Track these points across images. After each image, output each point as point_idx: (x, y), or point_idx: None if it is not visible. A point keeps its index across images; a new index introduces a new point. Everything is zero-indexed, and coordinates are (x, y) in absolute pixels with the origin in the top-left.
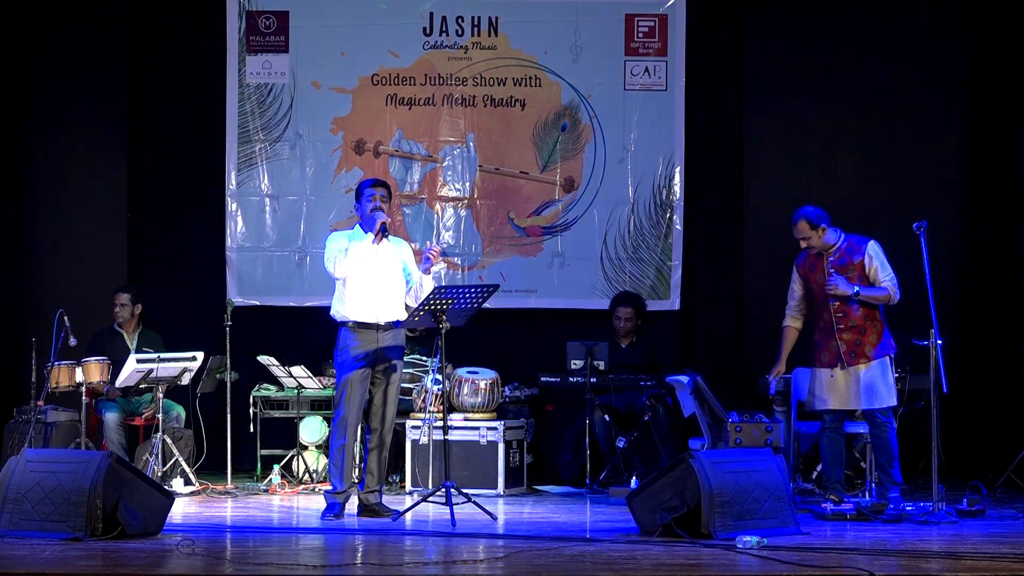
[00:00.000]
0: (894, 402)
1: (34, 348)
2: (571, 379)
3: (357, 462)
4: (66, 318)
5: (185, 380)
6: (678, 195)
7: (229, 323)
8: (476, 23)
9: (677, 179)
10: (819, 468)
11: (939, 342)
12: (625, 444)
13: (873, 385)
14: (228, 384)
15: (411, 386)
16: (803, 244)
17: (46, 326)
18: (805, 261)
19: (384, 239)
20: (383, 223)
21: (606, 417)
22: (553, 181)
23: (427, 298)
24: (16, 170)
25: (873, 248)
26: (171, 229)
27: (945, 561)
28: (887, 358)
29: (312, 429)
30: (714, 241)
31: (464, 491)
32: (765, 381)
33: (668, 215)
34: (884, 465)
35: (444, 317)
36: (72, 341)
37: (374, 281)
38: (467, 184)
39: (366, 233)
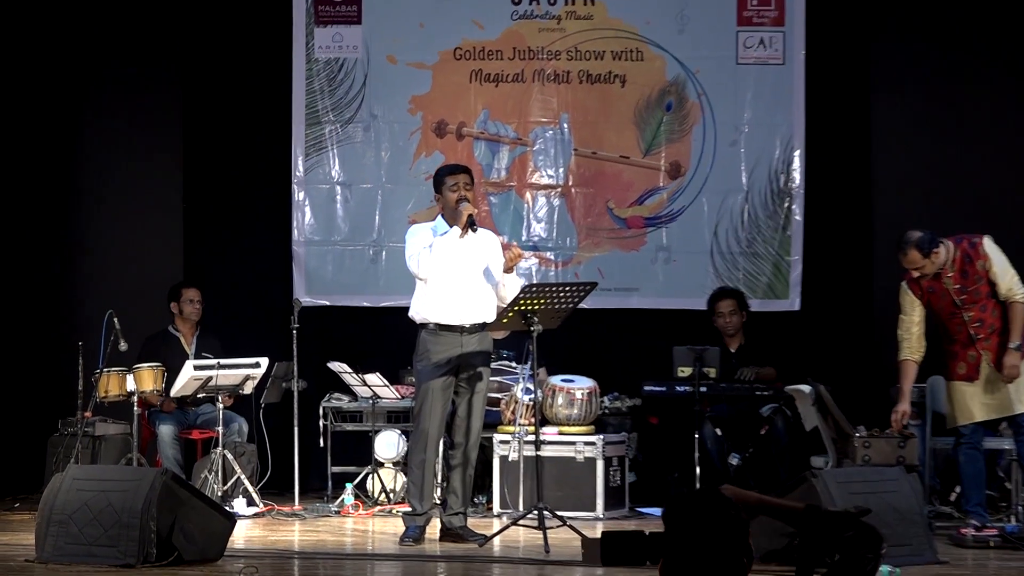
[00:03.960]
0: None
1: (80, 354)
2: (678, 388)
3: (439, 481)
4: (116, 320)
5: (248, 389)
6: (798, 182)
7: (296, 326)
8: None
9: (797, 164)
10: (958, 489)
11: None
12: (739, 461)
13: None
14: (295, 393)
15: (499, 396)
16: (915, 274)
17: (94, 329)
18: (920, 285)
19: (472, 232)
20: (470, 215)
21: (717, 431)
22: (657, 166)
23: (516, 298)
24: (60, 157)
25: (988, 246)
26: (231, 222)
27: None
28: None
29: (389, 444)
30: (839, 234)
31: (559, 513)
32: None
33: (787, 204)
34: None
35: (535, 319)
36: (123, 346)
37: (459, 279)
38: (560, 170)
39: (451, 226)
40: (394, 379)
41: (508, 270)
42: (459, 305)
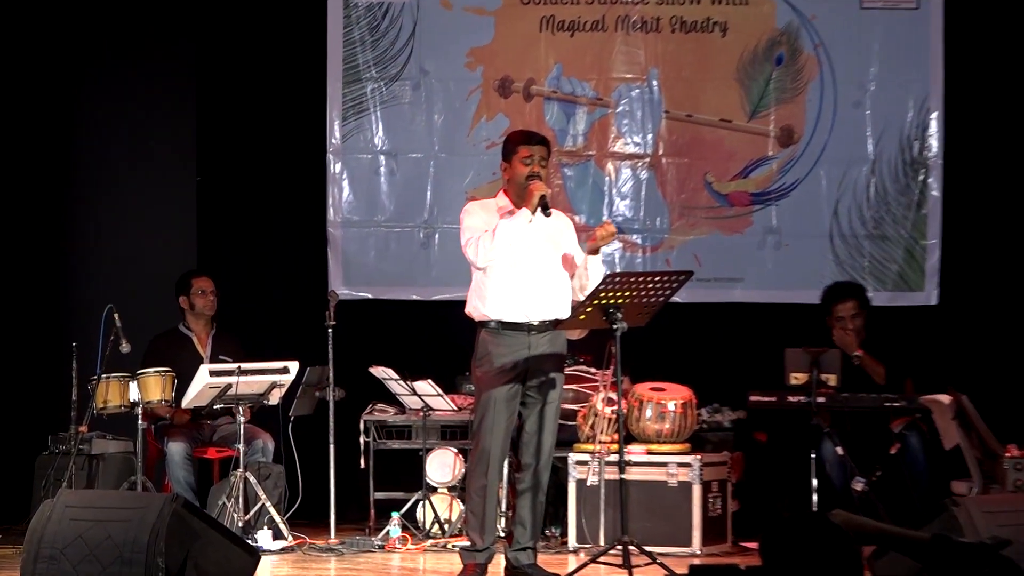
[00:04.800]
0: None
1: (75, 356)
2: (791, 398)
3: (503, 509)
4: (117, 316)
5: (274, 399)
6: (935, 150)
7: (332, 323)
8: None
9: (934, 129)
10: None
11: None
12: (865, 486)
13: None
14: (331, 405)
15: (575, 408)
16: None
17: (91, 327)
18: None
19: (544, 215)
20: (543, 196)
21: (839, 450)
22: (765, 132)
23: (596, 289)
24: (53, 122)
25: None
26: (254, 200)
27: None
28: None
29: (443, 465)
30: (985, 213)
31: (647, 548)
32: None
33: (922, 178)
34: None
35: (620, 315)
36: (125, 347)
37: (527, 268)
38: (649, 136)
39: (516, 205)
40: (449, 387)
41: (594, 251)
42: (527, 299)
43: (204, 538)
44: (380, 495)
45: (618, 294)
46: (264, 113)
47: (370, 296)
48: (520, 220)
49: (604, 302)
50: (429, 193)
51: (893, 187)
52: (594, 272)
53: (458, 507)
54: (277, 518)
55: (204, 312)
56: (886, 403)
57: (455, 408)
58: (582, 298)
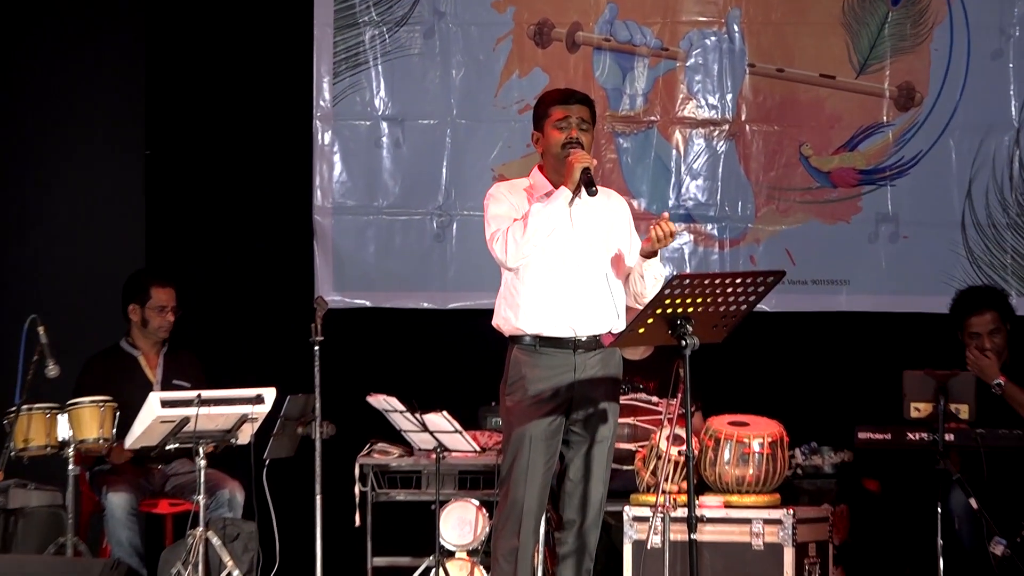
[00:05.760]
0: None
1: None
2: (911, 436)
3: None
4: (42, 330)
5: (244, 437)
6: None
7: (319, 338)
8: None
9: None
10: None
11: None
12: (1006, 549)
13: None
14: (318, 444)
15: (632, 448)
16: None
17: (7, 344)
18: None
19: (586, 194)
20: (585, 168)
21: (972, 502)
22: (879, 91)
23: (660, 295)
24: None
25: None
26: (219, 178)
27: None
28: None
29: (462, 523)
30: None
31: None
32: None
33: None
34: None
35: (690, 328)
36: (51, 370)
37: (570, 267)
38: (728, 97)
39: (555, 185)
40: (470, 421)
41: (650, 253)
42: (571, 307)
43: None
44: (381, 561)
45: (688, 301)
46: (232, 67)
47: (368, 304)
48: (559, 204)
49: (670, 311)
50: (445, 171)
51: None
52: (652, 278)
53: (482, 575)
54: None
55: (158, 334)
56: None
57: (477, 449)
58: (641, 306)
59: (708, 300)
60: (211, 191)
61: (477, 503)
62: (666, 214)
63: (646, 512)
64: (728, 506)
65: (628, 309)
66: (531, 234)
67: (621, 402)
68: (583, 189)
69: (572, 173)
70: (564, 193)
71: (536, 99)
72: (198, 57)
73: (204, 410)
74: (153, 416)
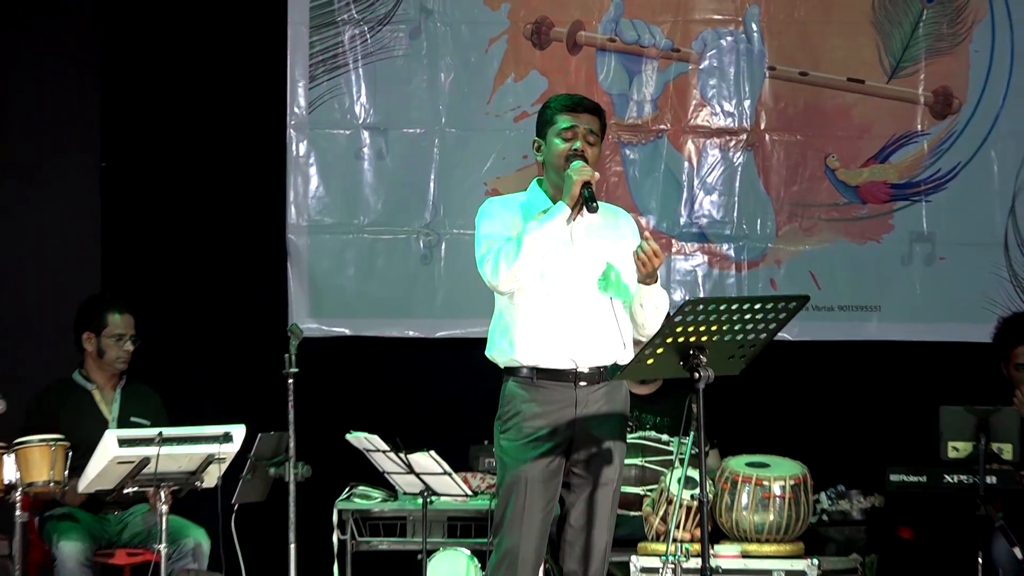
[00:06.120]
0: None
1: None
2: (948, 478)
3: None
4: None
5: (211, 480)
6: None
7: (293, 370)
8: None
9: None
10: None
11: None
12: None
13: None
14: (292, 487)
15: (639, 491)
16: None
17: None
18: None
19: (588, 211)
20: (586, 183)
21: (1017, 551)
22: (913, 97)
23: (669, 322)
24: None
25: None
26: (182, 193)
27: None
28: None
29: (451, 574)
30: None
31: None
32: None
33: None
34: None
35: (704, 359)
36: None
37: (570, 292)
38: (746, 104)
39: (554, 201)
40: (461, 462)
41: (648, 279)
42: (572, 336)
43: None
44: None
45: (701, 329)
46: (197, 70)
47: (348, 332)
48: (556, 222)
49: (681, 340)
50: (432, 185)
51: None
52: (652, 307)
53: None
54: None
55: (115, 365)
56: None
57: (468, 492)
58: (646, 336)
59: (724, 328)
60: (173, 208)
61: (468, 552)
62: (647, 233)
63: (655, 563)
64: (746, 556)
65: (635, 341)
66: (525, 255)
67: (628, 441)
68: (583, 205)
69: (573, 189)
70: (562, 210)
71: (536, 104)
72: (159, 58)
73: (166, 449)
74: (109, 457)
